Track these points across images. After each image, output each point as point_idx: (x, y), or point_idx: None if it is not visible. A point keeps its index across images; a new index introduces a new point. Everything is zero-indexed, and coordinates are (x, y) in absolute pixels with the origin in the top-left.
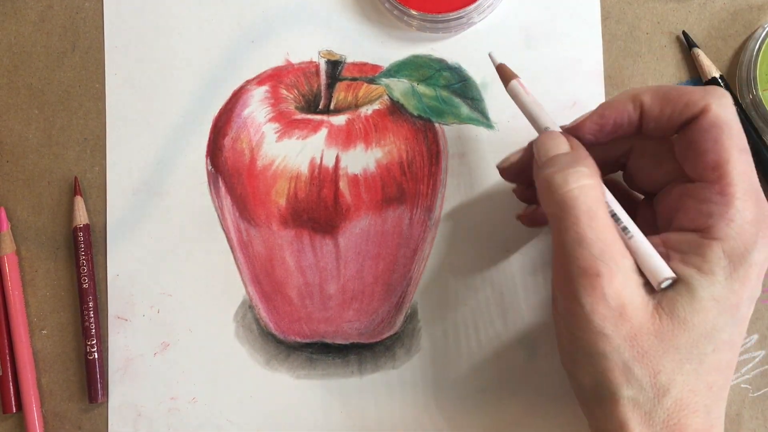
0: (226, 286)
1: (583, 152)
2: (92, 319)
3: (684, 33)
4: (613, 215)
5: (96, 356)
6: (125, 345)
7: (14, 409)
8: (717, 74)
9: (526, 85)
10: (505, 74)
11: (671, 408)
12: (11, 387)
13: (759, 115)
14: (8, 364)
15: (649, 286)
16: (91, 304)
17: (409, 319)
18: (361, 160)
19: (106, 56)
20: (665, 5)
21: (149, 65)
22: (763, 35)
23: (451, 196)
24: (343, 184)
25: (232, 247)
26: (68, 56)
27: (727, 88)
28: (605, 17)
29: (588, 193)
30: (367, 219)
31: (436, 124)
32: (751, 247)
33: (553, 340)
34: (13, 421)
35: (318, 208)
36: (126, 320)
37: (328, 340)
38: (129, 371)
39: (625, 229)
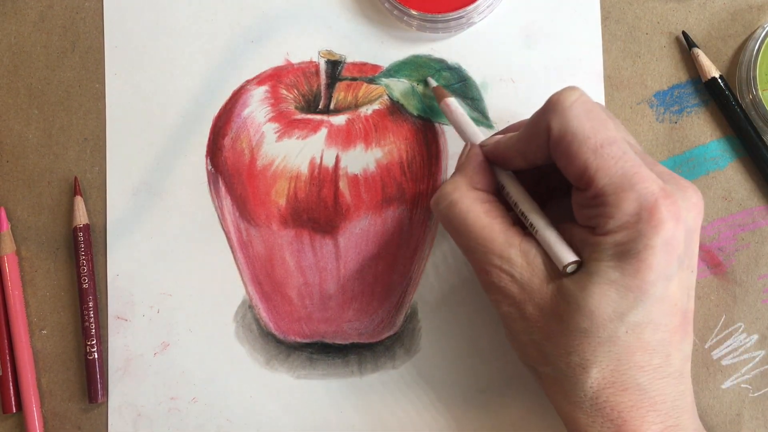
0: (226, 286)
1: (466, 164)
2: (92, 319)
3: (684, 33)
4: (520, 212)
5: (96, 356)
6: (125, 345)
7: (14, 409)
8: (717, 74)
9: (455, 104)
10: (439, 94)
11: (594, 386)
12: (11, 387)
13: (759, 115)
14: (8, 364)
15: (556, 273)
16: (91, 304)
17: (408, 319)
18: (361, 160)
19: (106, 56)
20: (665, 5)
21: (149, 65)
22: (762, 35)
23: None
24: (343, 184)
25: (232, 247)
26: (68, 56)
27: (727, 88)
28: (605, 17)
29: (456, 207)
30: (367, 219)
31: (436, 124)
32: (635, 236)
33: None
34: (13, 421)
35: (318, 208)
36: (126, 320)
37: (328, 340)
38: (129, 371)
39: (531, 225)
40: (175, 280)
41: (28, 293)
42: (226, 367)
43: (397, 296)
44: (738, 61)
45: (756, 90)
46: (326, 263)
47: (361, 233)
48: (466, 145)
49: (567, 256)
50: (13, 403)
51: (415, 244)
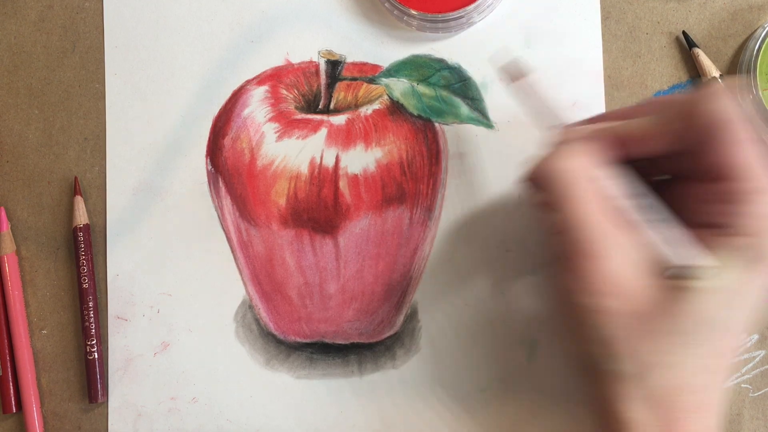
0: (226, 286)
1: (585, 131)
2: (92, 319)
3: (684, 33)
4: (629, 195)
5: (96, 356)
6: (125, 345)
7: (14, 409)
8: (717, 74)
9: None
10: (513, 72)
11: (666, 386)
12: (11, 387)
13: (759, 116)
14: (8, 364)
15: (660, 270)
16: (91, 304)
17: (408, 319)
18: (361, 159)
19: (106, 56)
20: (665, 5)
21: (149, 65)
22: (763, 35)
23: (451, 196)
24: (343, 184)
25: (232, 247)
26: (68, 56)
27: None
28: (605, 17)
29: (580, 174)
30: (367, 219)
31: (436, 124)
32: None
33: (553, 339)
34: (13, 421)
35: (318, 208)
36: (126, 320)
37: (328, 340)
38: (129, 371)
39: (639, 210)
40: (175, 280)
41: (28, 293)
42: (227, 367)
43: (397, 296)
44: (738, 61)
45: (756, 90)
46: (326, 263)
47: (361, 233)
48: (561, 127)
49: (675, 258)
50: (13, 403)
51: (415, 243)
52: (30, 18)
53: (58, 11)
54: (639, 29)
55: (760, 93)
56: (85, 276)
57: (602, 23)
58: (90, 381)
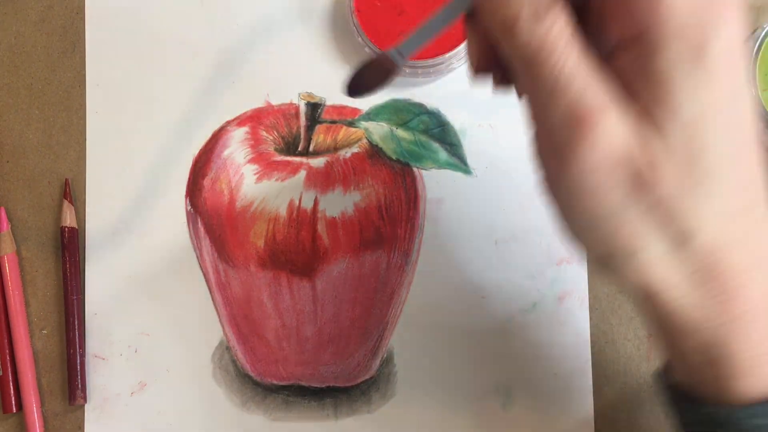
0: (203, 327)
1: None
2: (76, 323)
3: None
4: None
5: (79, 359)
6: (103, 384)
7: (14, 409)
8: None
9: None
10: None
11: (705, 250)
12: (11, 387)
13: (759, 116)
14: (8, 364)
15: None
16: (75, 308)
17: (384, 364)
18: (339, 203)
19: (88, 94)
20: None
21: (130, 104)
22: (762, 35)
23: (429, 241)
24: (321, 227)
25: (210, 288)
26: (68, 56)
27: None
28: None
29: (560, 35)
30: (345, 262)
31: (415, 169)
32: (708, 31)
33: (528, 387)
34: (13, 421)
35: (296, 251)
36: (104, 359)
37: (305, 383)
38: (106, 410)
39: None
40: (153, 320)
41: (28, 293)
42: (203, 407)
43: (373, 340)
44: None
45: (756, 90)
46: (303, 306)
47: (338, 276)
48: None
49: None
50: (14, 403)
51: (392, 288)
52: (30, 18)
53: (58, 11)
54: None
55: (760, 94)
56: (72, 277)
57: None
58: (71, 382)
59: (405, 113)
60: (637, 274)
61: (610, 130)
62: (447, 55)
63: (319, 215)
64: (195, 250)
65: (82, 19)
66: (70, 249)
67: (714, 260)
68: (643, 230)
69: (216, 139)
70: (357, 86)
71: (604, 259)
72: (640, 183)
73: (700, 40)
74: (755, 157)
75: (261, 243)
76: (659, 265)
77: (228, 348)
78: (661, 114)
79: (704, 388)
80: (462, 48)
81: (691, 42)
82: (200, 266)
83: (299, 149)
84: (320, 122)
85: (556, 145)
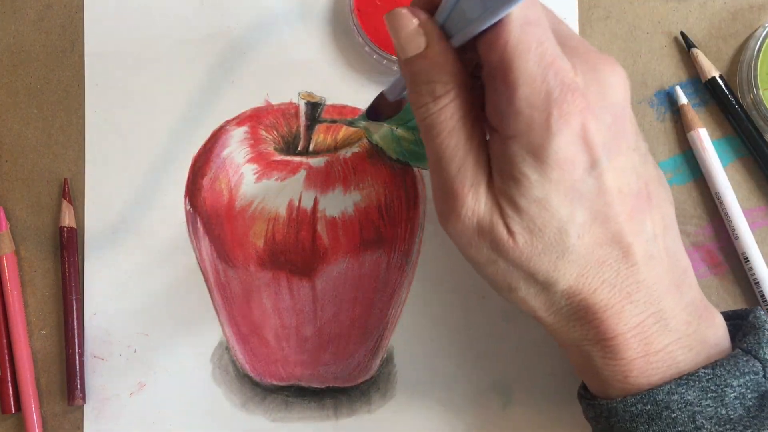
0: (203, 327)
1: (438, 51)
2: (75, 324)
3: (682, 34)
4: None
5: (78, 359)
6: (102, 384)
7: (13, 410)
8: (716, 74)
9: None
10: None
11: (567, 293)
12: (10, 387)
13: (760, 115)
14: (7, 365)
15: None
16: (75, 308)
17: (384, 364)
18: (339, 202)
19: (86, 94)
20: (665, 5)
21: (129, 103)
22: (763, 35)
23: (429, 241)
24: (321, 227)
25: (209, 288)
26: (68, 56)
27: (727, 87)
28: (605, 17)
29: (445, 113)
30: (345, 262)
31: (415, 169)
32: (546, 135)
33: (528, 387)
34: (12, 422)
35: (296, 251)
36: (103, 359)
37: (304, 384)
38: (104, 411)
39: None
40: (152, 320)
41: (27, 293)
42: (203, 408)
43: (373, 340)
44: (739, 61)
45: (757, 90)
46: (303, 306)
47: (338, 276)
48: (392, 14)
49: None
50: (12, 403)
51: (392, 288)
52: (29, 17)
53: (57, 11)
54: (639, 28)
55: (761, 93)
56: (70, 277)
57: (603, 22)
58: (70, 382)
59: (405, 113)
60: (521, 305)
61: (472, 206)
62: None
63: (318, 215)
64: (194, 250)
65: (81, 18)
66: (69, 249)
67: (579, 299)
68: (514, 277)
69: (215, 138)
70: (376, 113)
71: (495, 291)
72: (499, 248)
73: (539, 142)
74: (599, 229)
75: (260, 243)
76: (534, 300)
77: (227, 348)
78: (516, 193)
79: (595, 389)
80: None
81: (533, 142)
82: (199, 266)
83: (299, 149)
84: (320, 122)
85: (438, 203)
